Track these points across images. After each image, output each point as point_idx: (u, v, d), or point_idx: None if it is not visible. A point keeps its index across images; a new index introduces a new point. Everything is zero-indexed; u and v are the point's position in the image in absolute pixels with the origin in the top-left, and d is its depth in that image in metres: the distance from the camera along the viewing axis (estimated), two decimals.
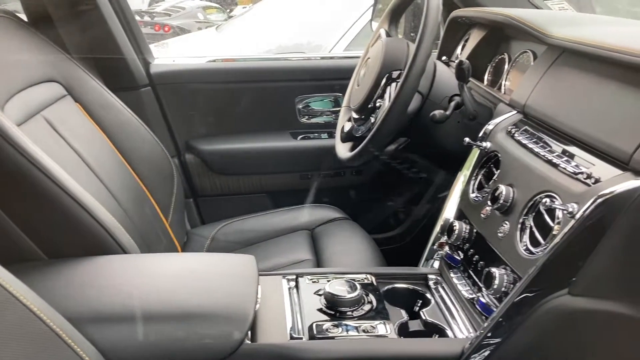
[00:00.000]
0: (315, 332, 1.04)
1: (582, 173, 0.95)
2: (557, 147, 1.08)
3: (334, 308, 1.09)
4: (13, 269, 0.72)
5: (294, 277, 1.22)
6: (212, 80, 2.03)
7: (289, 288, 1.19)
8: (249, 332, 0.98)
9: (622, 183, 0.87)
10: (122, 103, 1.55)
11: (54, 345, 0.74)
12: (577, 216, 0.88)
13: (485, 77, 1.61)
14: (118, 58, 1.83)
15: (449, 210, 1.33)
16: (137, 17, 2.00)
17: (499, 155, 1.20)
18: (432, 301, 1.20)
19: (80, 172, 1.26)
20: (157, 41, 4.50)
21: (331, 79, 2.10)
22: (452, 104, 1.47)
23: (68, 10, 1.66)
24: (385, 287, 1.22)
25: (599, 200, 0.87)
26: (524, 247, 1.01)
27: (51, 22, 1.62)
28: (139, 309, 0.94)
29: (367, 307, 1.11)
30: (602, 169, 0.93)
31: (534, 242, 1.00)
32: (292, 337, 1.04)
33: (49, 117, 1.29)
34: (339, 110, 1.90)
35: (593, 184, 0.92)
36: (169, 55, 2.18)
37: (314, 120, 2.12)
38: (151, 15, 9.41)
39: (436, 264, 1.32)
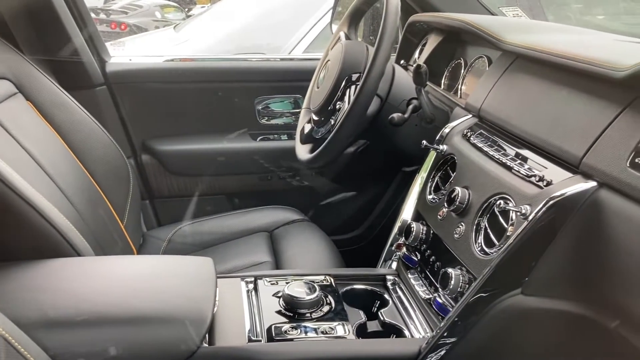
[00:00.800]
0: (274, 334, 1.04)
1: (534, 176, 0.98)
2: (511, 150, 1.10)
3: (293, 310, 1.09)
4: None
5: (253, 279, 1.22)
6: (170, 80, 2.00)
7: (248, 290, 1.19)
8: (207, 336, 0.97)
9: (572, 186, 0.90)
10: (77, 102, 1.51)
11: (3, 352, 0.72)
12: (530, 217, 0.91)
13: (442, 81, 1.64)
14: (72, 56, 1.79)
15: (407, 212, 1.35)
16: (93, 15, 1.96)
17: (455, 157, 1.22)
18: (390, 302, 1.21)
19: (31, 173, 1.22)
20: (114, 39, 4.40)
21: (291, 81, 2.10)
22: (410, 107, 1.49)
23: (20, 6, 1.61)
24: (344, 289, 1.22)
25: (551, 202, 0.89)
26: (479, 248, 1.03)
27: (2, 18, 1.57)
28: (93, 313, 0.92)
29: (325, 309, 1.11)
30: (553, 172, 0.96)
31: (489, 243, 1.02)
32: (250, 340, 1.03)
33: None
34: (298, 112, 1.90)
35: (545, 186, 0.94)
36: (126, 54, 2.13)
37: (273, 121, 2.12)
38: (107, 13, 9.20)
39: (394, 265, 1.34)
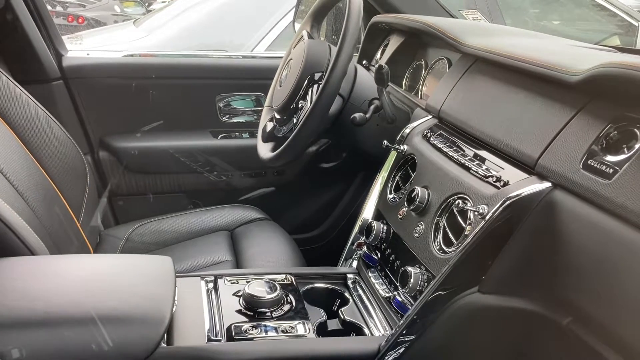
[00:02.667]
0: (233, 333, 1.03)
1: (492, 176, 1.00)
2: (470, 151, 1.12)
3: (253, 309, 1.09)
4: None
5: (213, 278, 1.20)
6: (129, 76, 1.96)
7: (208, 289, 1.18)
8: (165, 335, 0.96)
9: (528, 186, 0.92)
10: (31, 97, 1.47)
11: None
12: (487, 217, 0.93)
13: (404, 82, 1.66)
14: (27, 48, 1.73)
15: (368, 211, 1.36)
16: (49, 6, 1.91)
17: (416, 158, 1.24)
18: (351, 300, 1.22)
19: None
20: (71, 33, 4.29)
21: (253, 79, 2.09)
22: (372, 107, 1.50)
23: None
24: (305, 287, 1.23)
25: (507, 202, 0.91)
26: (438, 247, 1.05)
27: None
28: (47, 313, 0.90)
29: (286, 308, 1.11)
30: (510, 173, 0.99)
31: (447, 242, 1.04)
32: (209, 339, 1.02)
33: None
34: (260, 110, 1.89)
35: (502, 186, 0.97)
36: (83, 49, 2.08)
37: (235, 119, 2.10)
38: (64, 5, 8.95)
39: (354, 264, 1.35)
